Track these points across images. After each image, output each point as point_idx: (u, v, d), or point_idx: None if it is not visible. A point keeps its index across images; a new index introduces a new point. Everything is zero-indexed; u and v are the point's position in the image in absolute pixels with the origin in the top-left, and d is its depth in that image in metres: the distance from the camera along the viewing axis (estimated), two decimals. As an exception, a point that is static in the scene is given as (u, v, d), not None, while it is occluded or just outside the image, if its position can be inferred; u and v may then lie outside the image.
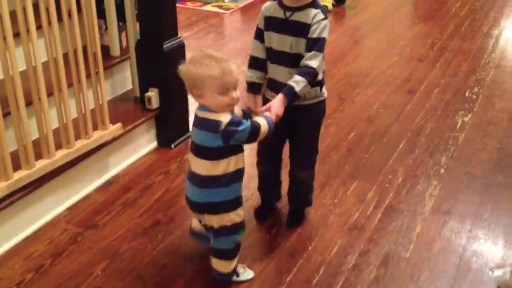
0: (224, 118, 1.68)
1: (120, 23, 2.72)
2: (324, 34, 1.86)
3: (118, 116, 2.52)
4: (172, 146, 2.75)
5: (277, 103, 1.82)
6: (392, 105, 3.19)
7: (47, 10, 2.00)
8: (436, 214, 2.28)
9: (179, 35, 2.68)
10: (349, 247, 2.10)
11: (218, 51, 4.15)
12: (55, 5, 2.02)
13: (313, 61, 1.84)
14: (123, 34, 2.80)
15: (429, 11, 4.86)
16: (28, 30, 1.94)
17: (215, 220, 1.80)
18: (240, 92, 1.74)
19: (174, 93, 2.71)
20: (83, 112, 2.23)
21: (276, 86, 1.94)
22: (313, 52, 1.85)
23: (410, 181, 2.50)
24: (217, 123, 1.68)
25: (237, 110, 1.81)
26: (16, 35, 1.93)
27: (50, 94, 2.11)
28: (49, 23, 2.02)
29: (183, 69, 1.72)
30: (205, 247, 2.08)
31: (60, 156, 2.16)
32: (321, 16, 1.86)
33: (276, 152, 2.16)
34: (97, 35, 2.24)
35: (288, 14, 1.90)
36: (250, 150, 1.95)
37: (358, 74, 3.61)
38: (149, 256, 2.05)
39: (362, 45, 4.20)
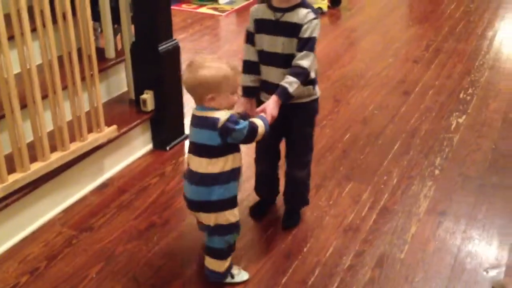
0: (223, 116, 1.72)
1: (115, 26, 2.72)
2: (315, 34, 1.88)
3: (113, 119, 2.52)
4: (167, 148, 2.75)
5: (271, 105, 1.84)
6: (387, 106, 3.20)
7: (42, 12, 2.00)
8: (431, 215, 2.29)
9: (174, 37, 2.69)
10: (344, 248, 2.10)
11: (214, 53, 4.18)
12: (49, 7, 2.02)
13: (304, 61, 1.86)
14: (118, 37, 2.80)
15: (424, 13, 4.88)
16: (22, 33, 1.94)
17: (211, 219, 1.81)
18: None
19: (169, 95, 2.71)
20: (78, 114, 2.23)
21: (270, 88, 1.95)
22: (304, 52, 1.86)
23: (405, 182, 2.50)
24: (215, 120, 1.71)
25: (234, 113, 1.82)
26: (11, 37, 1.93)
27: (44, 96, 2.11)
28: (44, 25, 2.02)
29: (193, 76, 1.71)
30: (200, 250, 2.09)
31: (55, 158, 2.16)
32: (312, 15, 1.87)
33: (273, 151, 2.17)
34: (92, 38, 2.24)
35: (278, 15, 1.91)
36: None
37: (354, 75, 3.62)
38: (144, 258, 2.05)
39: (358, 47, 4.21)
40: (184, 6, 4.98)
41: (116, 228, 2.21)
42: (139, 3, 2.55)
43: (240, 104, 1.99)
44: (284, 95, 1.85)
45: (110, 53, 2.74)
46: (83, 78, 2.25)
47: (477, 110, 3.14)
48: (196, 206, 1.83)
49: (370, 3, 5.16)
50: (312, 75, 1.93)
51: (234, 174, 1.79)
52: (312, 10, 1.89)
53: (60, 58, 2.12)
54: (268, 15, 1.93)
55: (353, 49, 4.13)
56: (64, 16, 2.09)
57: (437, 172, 2.58)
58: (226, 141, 1.72)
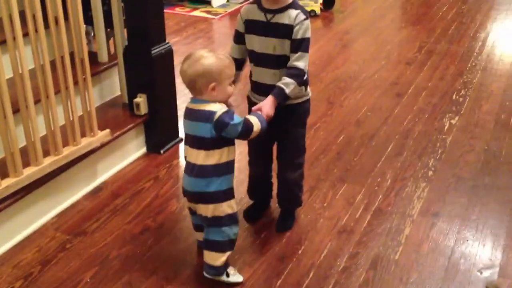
0: (219, 109, 1.75)
1: (108, 29, 2.72)
2: (308, 35, 1.89)
3: (106, 123, 2.51)
4: (161, 151, 2.75)
5: (268, 105, 1.85)
6: (380, 108, 3.21)
7: (34, 17, 1.99)
8: (424, 216, 2.30)
9: (167, 41, 2.69)
10: (339, 250, 2.11)
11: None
12: (41, 12, 2.01)
13: (300, 62, 1.88)
14: (111, 40, 2.79)
15: (416, 15, 4.91)
16: (14, 37, 1.94)
17: (209, 210, 1.83)
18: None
19: (163, 99, 2.71)
20: (71, 119, 2.22)
21: (261, 89, 1.97)
22: (299, 53, 1.88)
23: (399, 184, 2.51)
24: (211, 113, 1.74)
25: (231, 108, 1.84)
26: (3, 42, 1.92)
27: (37, 101, 2.10)
28: (36, 30, 2.01)
29: (196, 66, 1.73)
30: (197, 253, 2.09)
31: (48, 163, 2.16)
32: (302, 16, 1.88)
33: (266, 154, 2.18)
34: (84, 42, 2.23)
35: (269, 16, 1.91)
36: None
37: (347, 78, 3.63)
38: (138, 262, 2.05)
39: (351, 49, 4.22)
40: (178, 10, 4.98)
41: (110, 232, 2.20)
42: (132, 7, 2.55)
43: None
44: (281, 96, 1.86)
45: (103, 57, 2.74)
46: (76, 82, 2.24)
47: (469, 112, 3.16)
48: (195, 197, 1.85)
49: (362, 6, 5.18)
50: (305, 76, 1.94)
51: (230, 166, 1.83)
52: (302, 10, 1.90)
53: (52, 63, 2.11)
54: (259, 16, 1.93)
55: (346, 52, 4.14)
56: (56, 20, 2.09)
57: (430, 173, 2.59)
58: (220, 134, 1.75)
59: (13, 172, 2.05)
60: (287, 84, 1.86)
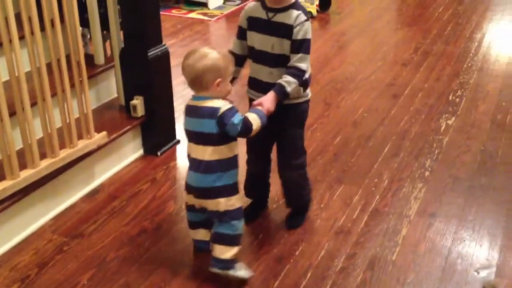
0: (223, 106, 1.78)
1: (104, 32, 2.72)
2: (308, 36, 1.91)
3: (103, 125, 2.51)
4: (159, 153, 2.75)
5: (269, 100, 1.87)
6: (377, 109, 3.22)
7: (30, 19, 1.99)
8: (421, 216, 2.30)
9: (163, 43, 2.69)
10: (336, 251, 2.11)
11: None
12: (37, 14, 2.01)
13: (302, 64, 1.90)
14: (108, 43, 2.79)
15: (412, 16, 4.92)
16: (10, 40, 1.94)
17: (221, 205, 1.86)
18: None
19: (160, 101, 2.71)
20: (68, 121, 2.22)
21: (258, 85, 2.00)
22: (300, 55, 1.90)
23: (396, 184, 2.52)
24: (215, 109, 1.77)
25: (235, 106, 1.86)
26: (-1, 45, 1.92)
27: (34, 103, 2.10)
28: (32, 33, 2.01)
29: (203, 62, 1.76)
30: (194, 254, 2.09)
31: (45, 165, 2.16)
32: (303, 17, 1.90)
33: (264, 153, 2.19)
34: (80, 44, 2.23)
35: (270, 15, 1.93)
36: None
37: (343, 79, 3.64)
38: (136, 264, 2.05)
39: (347, 51, 4.23)
40: (174, 12, 4.99)
41: (108, 234, 2.20)
42: (128, 9, 2.55)
43: None
44: (282, 93, 1.88)
45: (100, 59, 2.74)
46: (72, 85, 2.24)
47: (466, 112, 3.17)
48: (204, 193, 1.87)
49: (359, 7, 5.19)
50: (306, 75, 1.95)
51: (236, 161, 1.87)
52: (303, 12, 1.92)
53: (49, 65, 2.11)
54: (261, 14, 1.96)
55: (342, 53, 4.15)
56: (53, 23, 2.09)
57: (427, 174, 2.60)
58: (223, 131, 1.78)
59: (10, 175, 2.05)
60: (289, 82, 1.89)
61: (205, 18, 4.85)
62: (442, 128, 3.00)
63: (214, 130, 1.78)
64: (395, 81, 3.58)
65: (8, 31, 1.92)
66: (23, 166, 2.10)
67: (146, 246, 2.13)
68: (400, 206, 2.37)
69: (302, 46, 1.90)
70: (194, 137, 1.85)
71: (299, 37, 1.89)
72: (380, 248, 2.12)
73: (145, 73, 2.61)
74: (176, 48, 4.07)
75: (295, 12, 1.90)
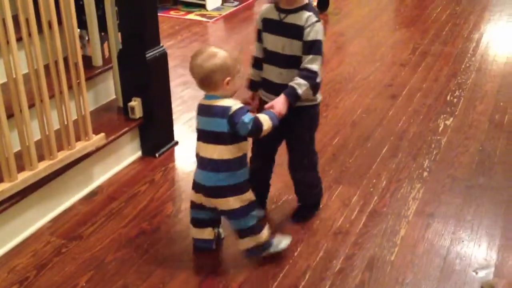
0: (234, 104, 1.81)
1: (102, 33, 2.72)
2: (319, 37, 1.91)
3: (101, 126, 2.51)
4: (157, 155, 2.75)
5: (280, 102, 1.88)
6: (375, 110, 3.22)
7: (27, 21, 1.99)
8: (419, 217, 2.30)
9: (162, 44, 2.69)
10: (335, 251, 2.11)
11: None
12: (35, 16, 2.01)
13: (313, 65, 1.91)
14: (106, 44, 2.79)
15: (410, 17, 4.92)
16: (8, 42, 1.94)
17: (234, 202, 1.89)
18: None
19: (158, 102, 2.71)
20: (66, 123, 2.22)
21: (268, 85, 2.03)
22: (311, 56, 1.91)
23: (394, 185, 2.52)
24: (226, 108, 1.80)
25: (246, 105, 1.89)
26: (-4, 47, 1.92)
27: (31, 105, 2.10)
28: (29, 34, 2.01)
29: (213, 61, 1.78)
30: (194, 254, 2.09)
31: (43, 167, 2.15)
32: (313, 18, 1.91)
33: (269, 152, 2.20)
34: (78, 46, 2.23)
35: (282, 16, 1.95)
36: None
37: (342, 79, 3.64)
38: (134, 266, 2.04)
39: (345, 51, 4.23)
40: (172, 13, 4.99)
41: (106, 236, 2.20)
42: (126, 11, 2.55)
43: (243, 96, 2.08)
44: (293, 95, 1.89)
45: (97, 61, 2.74)
46: (70, 87, 2.24)
47: (464, 112, 3.17)
48: (212, 192, 1.89)
49: (357, 8, 5.19)
50: (318, 77, 1.96)
51: (245, 160, 1.90)
52: (314, 13, 1.93)
53: (46, 67, 2.11)
54: (274, 15, 1.98)
55: (341, 53, 4.15)
56: (50, 25, 2.09)
57: (425, 174, 2.60)
58: (234, 130, 1.79)
59: (8, 177, 2.04)
60: (300, 84, 1.89)
61: (203, 19, 4.85)
62: (440, 128, 3.00)
63: (225, 129, 1.80)
64: (393, 82, 3.59)
65: (5, 32, 1.92)
66: (21, 168, 2.10)
67: (145, 248, 2.13)
68: (399, 206, 2.37)
69: (313, 47, 1.91)
70: (205, 136, 1.87)
71: (310, 38, 1.90)
72: (379, 249, 2.12)
73: (143, 74, 2.61)
74: (174, 49, 4.07)
75: (306, 13, 1.91)
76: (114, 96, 2.82)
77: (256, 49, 2.08)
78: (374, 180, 2.55)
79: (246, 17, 4.95)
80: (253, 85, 2.12)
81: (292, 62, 1.95)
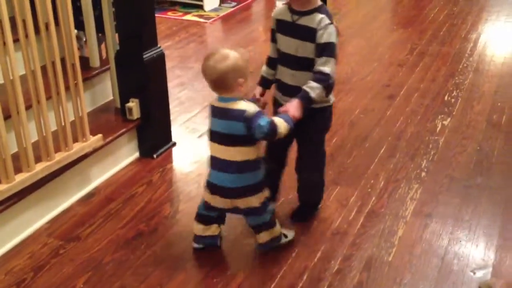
0: (249, 108, 1.83)
1: (99, 34, 2.71)
2: (332, 39, 1.91)
3: (99, 127, 2.51)
4: (155, 156, 2.75)
5: (294, 106, 1.89)
6: (373, 110, 3.22)
7: (24, 22, 1.99)
8: (417, 217, 2.30)
9: (159, 45, 2.69)
10: (332, 252, 2.11)
11: (200, 60, 4.15)
12: (32, 17, 2.01)
13: (326, 67, 1.91)
14: (103, 45, 2.79)
15: (408, 17, 4.93)
16: (4, 43, 1.93)
17: (255, 200, 1.94)
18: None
19: (155, 103, 2.71)
20: (63, 124, 2.22)
21: (282, 87, 2.06)
22: (324, 58, 1.91)
23: (392, 185, 2.52)
24: (242, 112, 1.81)
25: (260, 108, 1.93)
26: (-7, 48, 1.92)
27: (28, 107, 2.09)
28: (26, 35, 2.01)
29: (226, 63, 1.79)
30: (194, 254, 2.08)
31: (40, 169, 2.15)
32: (326, 21, 1.91)
33: (281, 154, 2.21)
34: (75, 47, 2.23)
35: (295, 18, 1.96)
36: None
37: (339, 80, 3.62)
38: (132, 267, 2.04)
39: (343, 52, 4.22)
40: (170, 14, 4.99)
41: (104, 237, 2.19)
42: (123, 12, 2.54)
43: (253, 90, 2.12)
44: (306, 99, 1.90)
45: (95, 62, 2.74)
46: (67, 88, 2.24)
47: (461, 112, 3.17)
48: (237, 192, 1.92)
49: (354, 8, 5.20)
50: (331, 79, 1.96)
51: (261, 161, 1.95)
52: (328, 15, 1.93)
53: (44, 68, 2.11)
54: (287, 16, 1.98)
55: (339, 54, 4.14)
56: (47, 26, 2.09)
57: (423, 174, 2.60)
58: (250, 132, 1.81)
59: (5, 178, 2.04)
60: (312, 87, 1.90)
61: (201, 20, 4.85)
62: (438, 128, 3.01)
63: (242, 132, 1.82)
64: (391, 82, 3.59)
65: (2, 34, 1.92)
66: (18, 169, 2.09)
67: (142, 249, 2.13)
68: (396, 207, 2.37)
69: (325, 50, 1.91)
70: (222, 138, 1.88)
71: (323, 40, 1.90)
72: (377, 249, 2.12)
73: (141, 75, 2.61)
74: (172, 50, 4.07)
75: (319, 16, 1.91)
76: (111, 97, 2.81)
77: (271, 49, 2.10)
78: (372, 181, 2.55)
79: (244, 18, 4.95)
80: (265, 83, 2.13)
81: (305, 64, 1.96)
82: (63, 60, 2.18)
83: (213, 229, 2.06)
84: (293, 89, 1.97)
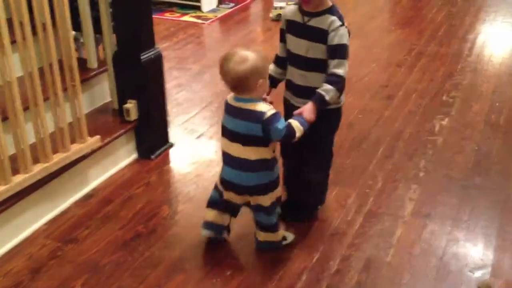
0: (267, 110, 1.83)
1: (97, 35, 2.71)
2: (344, 41, 1.92)
3: (97, 129, 2.50)
4: (152, 157, 2.74)
5: (309, 109, 1.91)
6: (371, 110, 3.22)
7: (21, 24, 1.98)
8: (416, 217, 2.30)
9: (157, 46, 2.68)
10: (331, 253, 2.11)
11: (198, 61, 4.14)
12: (29, 18, 2.00)
13: (339, 69, 1.92)
14: (101, 46, 2.79)
15: (406, 18, 4.93)
16: (2, 45, 1.93)
17: (266, 199, 1.96)
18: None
19: (153, 104, 2.70)
20: (61, 125, 2.21)
21: (292, 87, 2.07)
22: (337, 60, 1.92)
23: (390, 186, 2.52)
24: (261, 113, 1.82)
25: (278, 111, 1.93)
26: (-10, 49, 1.91)
27: (26, 108, 2.09)
28: (24, 37, 2.00)
29: (247, 65, 1.79)
30: (187, 259, 2.08)
31: (38, 170, 2.14)
32: (337, 23, 1.91)
33: (295, 151, 2.19)
34: (73, 48, 2.23)
35: (306, 19, 1.96)
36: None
37: (337, 81, 3.63)
38: (130, 269, 2.04)
39: (341, 52, 4.22)
40: (167, 15, 4.98)
41: (101, 239, 2.19)
42: (121, 13, 2.54)
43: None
44: (321, 101, 1.91)
45: (93, 63, 2.73)
46: (65, 89, 2.23)
47: (460, 113, 3.17)
48: (250, 190, 1.95)
49: (352, 9, 5.19)
50: (344, 81, 1.96)
51: (275, 160, 1.96)
52: (339, 17, 1.93)
53: (41, 70, 2.10)
54: (297, 17, 1.98)
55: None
56: (44, 27, 2.08)
57: (421, 174, 2.60)
58: (267, 135, 1.83)
59: (3, 180, 2.03)
60: (327, 90, 1.90)
61: (199, 21, 4.84)
62: (436, 128, 3.00)
63: (259, 133, 1.83)
64: (389, 82, 3.59)
65: (-1, 35, 1.92)
66: (15, 171, 2.09)
67: (140, 251, 2.12)
68: (395, 207, 2.37)
69: (338, 52, 1.91)
70: (236, 137, 1.89)
71: (334, 42, 1.91)
72: (375, 250, 2.12)
73: (139, 76, 2.60)
74: (169, 51, 4.07)
75: (330, 18, 1.91)
76: (109, 98, 2.81)
77: (280, 49, 2.10)
78: (371, 181, 2.55)
79: (242, 19, 4.95)
80: (272, 81, 2.11)
81: (315, 65, 1.96)
82: (60, 62, 2.18)
83: (224, 218, 2.07)
84: (302, 89, 2.00)
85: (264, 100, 2.00)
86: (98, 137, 2.41)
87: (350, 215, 2.32)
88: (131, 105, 2.62)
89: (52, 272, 2.02)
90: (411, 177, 2.57)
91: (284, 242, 2.11)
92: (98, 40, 2.75)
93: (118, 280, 1.98)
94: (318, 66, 1.95)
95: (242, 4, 5.26)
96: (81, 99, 2.30)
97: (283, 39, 2.08)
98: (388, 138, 2.91)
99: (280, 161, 2.13)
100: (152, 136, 2.75)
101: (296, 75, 2.04)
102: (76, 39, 2.74)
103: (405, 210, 2.35)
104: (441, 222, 2.27)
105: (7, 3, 1.94)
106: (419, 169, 2.64)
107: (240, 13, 5.08)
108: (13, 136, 2.05)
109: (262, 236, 2.07)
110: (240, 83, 1.81)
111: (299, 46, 1.98)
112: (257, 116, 1.82)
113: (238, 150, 1.90)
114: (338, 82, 1.92)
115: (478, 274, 2.00)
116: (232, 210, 2.07)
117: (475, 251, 2.12)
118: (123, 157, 2.69)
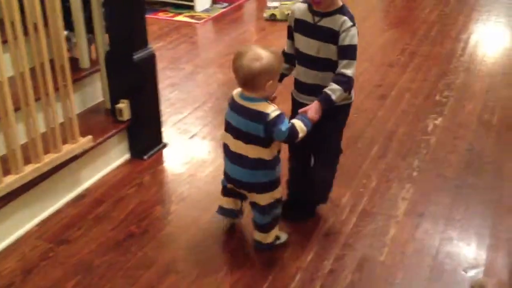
0: (272, 111, 1.83)
1: (89, 35, 2.70)
2: (354, 41, 1.92)
3: (89, 129, 2.49)
4: (145, 157, 2.73)
5: (314, 109, 1.90)
6: (365, 110, 3.22)
7: (12, 24, 1.97)
8: (409, 216, 2.30)
9: (150, 46, 2.67)
10: (325, 252, 2.10)
11: (191, 61, 4.13)
12: (20, 18, 1.99)
13: (348, 70, 1.91)
14: (93, 46, 2.77)
15: (399, 18, 4.94)
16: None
17: (263, 198, 1.97)
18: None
19: (146, 104, 2.69)
20: (52, 125, 2.20)
21: (300, 86, 2.06)
22: (347, 61, 1.91)
23: (384, 185, 2.52)
24: (265, 114, 1.82)
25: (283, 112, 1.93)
26: (-20, 49, 1.89)
27: (17, 108, 2.07)
28: (15, 37, 1.99)
29: (260, 64, 1.79)
30: (180, 259, 2.07)
31: (29, 171, 2.13)
32: (349, 23, 1.91)
33: (303, 151, 2.19)
34: (64, 48, 2.21)
35: (316, 19, 1.95)
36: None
37: (331, 80, 3.63)
38: (122, 269, 2.02)
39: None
40: (161, 15, 4.96)
41: (94, 240, 2.18)
42: (113, 12, 2.53)
43: None
44: (327, 101, 1.91)
45: (85, 63, 2.72)
46: (57, 89, 2.22)
47: (453, 112, 3.18)
48: (248, 187, 1.97)
49: (346, 9, 5.20)
50: (352, 81, 1.95)
51: (277, 159, 1.95)
52: (349, 17, 1.92)
53: (33, 70, 2.09)
54: (307, 17, 1.97)
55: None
56: (36, 27, 2.07)
57: (415, 174, 2.60)
58: (270, 136, 1.83)
59: (-6, 181, 2.02)
60: (334, 90, 1.90)
61: (192, 20, 4.83)
62: (429, 128, 3.01)
63: (261, 133, 1.83)
64: (382, 82, 3.59)
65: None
66: (7, 171, 2.07)
67: (133, 251, 2.11)
68: (388, 206, 2.37)
69: (348, 52, 1.91)
70: (238, 134, 1.90)
71: (346, 43, 1.90)
72: (369, 249, 2.12)
73: (131, 76, 2.59)
74: (163, 51, 4.05)
75: (341, 18, 1.91)
76: (101, 98, 2.79)
77: (287, 45, 2.09)
78: (364, 181, 2.55)
79: (236, 18, 4.94)
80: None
81: (326, 65, 1.96)
82: (52, 61, 2.16)
83: (235, 203, 2.11)
84: (311, 87, 2.00)
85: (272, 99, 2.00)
86: (90, 137, 2.39)
87: (344, 214, 2.32)
88: (123, 105, 2.61)
89: (44, 273, 2.01)
90: (405, 177, 2.57)
91: (277, 242, 2.10)
92: (91, 40, 2.73)
93: (110, 281, 1.97)
94: (328, 65, 1.95)
95: (236, 3, 5.25)
96: (73, 99, 2.29)
97: (290, 37, 2.06)
98: (381, 138, 2.91)
99: (284, 160, 2.12)
100: (145, 136, 2.73)
101: (305, 74, 2.02)
102: (68, 39, 2.73)
103: (398, 209, 2.35)
104: (435, 222, 2.27)
105: (-2, 2, 1.93)
106: (413, 168, 2.64)
107: (234, 13, 5.07)
108: (4, 137, 2.03)
109: (257, 235, 2.07)
110: (250, 80, 1.81)
111: (309, 46, 1.97)
112: (260, 117, 1.83)
113: (240, 147, 1.91)
114: (345, 82, 1.91)
115: (471, 273, 2.00)
116: (239, 195, 2.08)
117: (468, 251, 2.12)
118: (115, 157, 2.67)
